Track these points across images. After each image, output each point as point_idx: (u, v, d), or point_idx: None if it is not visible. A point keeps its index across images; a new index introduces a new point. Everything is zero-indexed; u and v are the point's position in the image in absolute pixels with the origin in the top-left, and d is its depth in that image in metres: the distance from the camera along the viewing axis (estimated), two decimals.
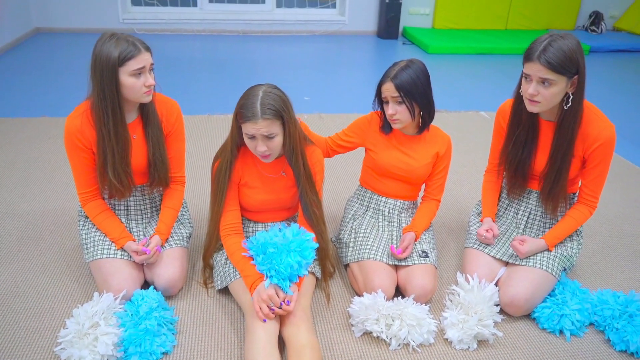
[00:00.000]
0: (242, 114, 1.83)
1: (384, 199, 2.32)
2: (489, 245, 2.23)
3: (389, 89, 2.08)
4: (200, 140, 3.71)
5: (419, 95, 2.08)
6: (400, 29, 7.29)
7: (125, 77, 1.87)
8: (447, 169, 2.32)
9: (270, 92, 1.85)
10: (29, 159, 3.37)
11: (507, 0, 7.31)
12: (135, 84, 1.88)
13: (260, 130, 1.82)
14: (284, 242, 1.89)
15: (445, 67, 5.92)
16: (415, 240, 2.21)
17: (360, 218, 2.35)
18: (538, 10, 7.41)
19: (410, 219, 2.33)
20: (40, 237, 2.55)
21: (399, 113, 2.10)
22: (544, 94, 1.90)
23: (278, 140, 1.88)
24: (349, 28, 7.22)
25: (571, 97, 1.93)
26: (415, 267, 2.13)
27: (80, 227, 2.19)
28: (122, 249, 2.08)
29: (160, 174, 2.14)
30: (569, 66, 1.85)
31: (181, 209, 2.35)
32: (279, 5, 7.20)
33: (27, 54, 5.78)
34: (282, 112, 1.84)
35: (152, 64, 1.93)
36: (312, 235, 1.95)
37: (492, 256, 2.20)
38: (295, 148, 1.94)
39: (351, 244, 2.25)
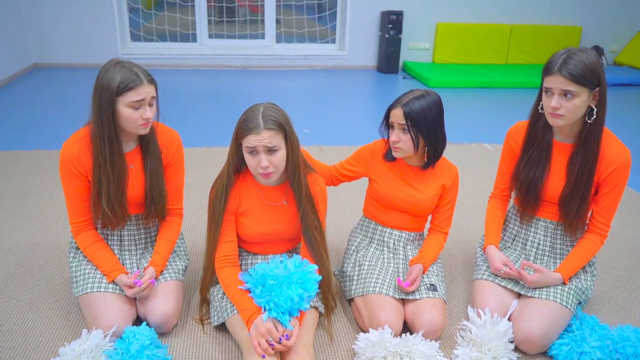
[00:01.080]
0: (244, 127, 1.78)
1: (388, 230, 2.22)
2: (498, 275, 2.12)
3: (397, 115, 2.01)
4: (197, 172, 3.64)
5: (426, 128, 2.00)
6: (401, 64, 7.32)
7: (123, 108, 1.80)
8: (454, 201, 2.22)
9: (271, 107, 1.83)
10: (20, 192, 3.28)
11: (507, 36, 7.37)
12: (131, 115, 1.82)
13: (263, 142, 1.76)
14: (285, 273, 1.80)
15: (446, 100, 5.79)
16: (423, 272, 2.10)
17: (364, 250, 2.24)
18: (538, 46, 7.47)
19: (417, 250, 2.23)
20: (27, 272, 2.43)
21: (402, 142, 2.02)
22: (567, 107, 1.85)
23: (281, 155, 1.81)
24: (349, 63, 7.25)
25: (595, 109, 1.87)
26: (424, 302, 2.01)
27: (71, 259, 2.08)
28: (113, 282, 1.97)
29: (157, 207, 2.05)
30: (590, 77, 1.81)
31: (178, 242, 2.25)
32: (278, 40, 7.24)
33: (23, 89, 5.77)
34: (285, 125, 1.80)
35: (153, 97, 1.86)
36: (315, 267, 1.85)
37: (503, 287, 2.09)
38: (298, 166, 1.88)
39: (355, 277, 2.14)
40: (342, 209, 3.19)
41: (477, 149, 4.41)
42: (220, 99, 5.64)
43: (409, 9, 6.97)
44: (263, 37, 7.21)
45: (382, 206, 2.21)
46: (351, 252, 2.27)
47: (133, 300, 2.01)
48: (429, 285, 2.07)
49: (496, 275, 2.12)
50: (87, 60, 6.68)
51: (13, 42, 6.14)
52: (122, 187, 1.93)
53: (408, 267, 2.15)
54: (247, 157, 1.82)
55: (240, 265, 2.09)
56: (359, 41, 7.21)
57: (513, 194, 2.25)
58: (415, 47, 7.30)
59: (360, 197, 3.11)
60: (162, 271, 2.07)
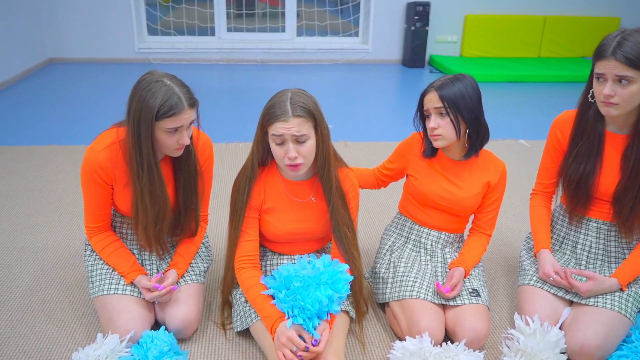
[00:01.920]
0: (270, 114, 1.64)
1: (426, 230, 2.05)
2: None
3: (432, 99, 1.84)
4: (217, 168, 3.48)
5: (466, 109, 1.83)
6: (427, 57, 7.10)
7: (158, 132, 1.66)
8: (500, 201, 2.04)
9: (300, 93, 1.69)
10: (33, 187, 3.18)
11: (540, 27, 7.09)
12: (166, 140, 1.68)
13: (291, 130, 1.62)
14: (312, 274, 1.64)
15: None
16: (465, 276, 1.93)
17: (399, 250, 2.07)
18: (573, 38, 7.17)
19: (456, 253, 2.05)
20: (40, 271, 2.31)
21: (441, 127, 1.85)
22: (622, 94, 1.67)
23: (310, 145, 1.67)
24: (373, 57, 7.06)
25: None
26: (466, 308, 1.84)
27: (86, 258, 1.95)
28: (132, 284, 1.84)
29: (188, 223, 1.93)
30: None
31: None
32: (299, 33, 7.09)
33: (38, 84, 5.70)
34: (314, 112, 1.66)
35: (192, 121, 1.71)
36: (347, 266, 1.69)
37: (554, 294, 1.90)
38: (328, 157, 1.74)
39: (390, 280, 1.97)
40: (371, 207, 3.02)
41: (512, 145, 4.20)
42: (239, 94, 5.50)
43: (436, 0, 6.75)
44: (283, 30, 7.05)
45: (420, 204, 2.04)
46: (384, 251, 2.10)
47: (151, 304, 1.87)
48: (471, 290, 1.90)
49: (545, 282, 1.94)
50: (103, 54, 6.60)
51: (29, 36, 6.07)
52: (161, 221, 1.80)
53: (447, 270, 1.98)
54: (273, 147, 1.68)
55: (265, 267, 1.94)
56: (383, 34, 7.01)
57: (559, 191, 2.07)
58: (443, 40, 7.08)
59: (390, 196, 2.97)
60: (183, 274, 1.93)
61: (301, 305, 1.60)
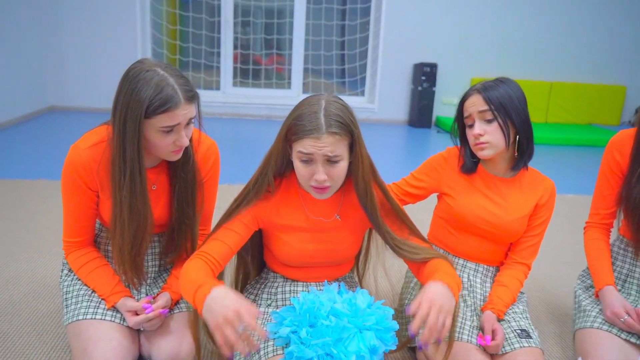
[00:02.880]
0: (299, 127, 1.33)
1: (461, 260, 1.74)
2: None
3: (475, 103, 1.60)
4: (219, 211, 3.21)
5: (515, 112, 1.59)
6: (433, 119, 7.00)
7: (151, 132, 1.37)
8: (546, 225, 1.74)
9: (335, 102, 1.38)
10: (16, 218, 2.88)
11: (546, 93, 7.04)
12: (161, 141, 1.38)
13: (324, 150, 1.32)
14: (351, 310, 1.30)
15: None
16: (500, 318, 1.61)
17: None
18: (579, 104, 7.12)
19: None
20: (9, 300, 1.98)
21: (488, 134, 1.59)
22: None
23: (342, 166, 1.37)
24: (379, 116, 6.95)
25: None
26: (517, 354, 1.51)
27: (62, 279, 1.62)
28: (114, 309, 1.50)
29: (183, 242, 1.60)
30: None
31: None
32: (305, 91, 7.01)
33: (36, 128, 5.52)
34: (352, 128, 1.36)
35: (192, 118, 1.41)
36: (392, 311, 1.36)
37: (625, 339, 1.58)
38: (370, 179, 1.44)
39: None
40: None
41: None
42: (243, 144, 5.32)
43: (443, 61, 6.73)
44: (289, 86, 6.98)
45: (456, 229, 1.74)
46: (413, 284, 1.79)
47: (136, 334, 1.52)
48: (519, 332, 1.57)
49: (612, 324, 1.62)
50: (106, 105, 6.44)
51: (32, 82, 5.97)
52: (139, 242, 1.47)
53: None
54: (298, 165, 1.38)
55: (275, 295, 1.60)
56: (390, 94, 6.93)
57: (616, 223, 1.80)
58: (449, 102, 7.00)
59: (420, 219, 2.64)
60: (178, 300, 1.60)
61: (333, 356, 1.23)
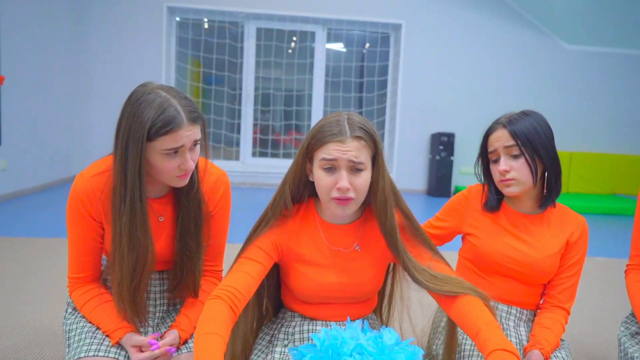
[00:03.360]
0: (322, 133, 1.31)
1: (492, 303, 1.62)
2: None
3: (501, 137, 1.54)
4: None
5: (542, 147, 1.52)
6: (452, 188, 6.94)
7: (154, 155, 1.32)
8: (581, 265, 1.63)
9: (358, 115, 1.37)
10: (29, 271, 2.83)
11: (566, 163, 6.98)
12: (164, 165, 1.33)
13: (348, 154, 1.28)
14: (377, 348, 1.19)
15: None
16: None
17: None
18: (601, 174, 7.01)
19: None
20: (12, 347, 1.88)
21: (514, 170, 1.52)
22: None
23: (365, 177, 1.32)
24: (397, 185, 6.71)
25: None
26: None
27: (66, 317, 1.53)
28: (118, 345, 1.40)
29: (187, 277, 1.50)
30: None
31: None
32: None
33: (58, 194, 5.58)
34: (375, 137, 1.34)
35: (196, 141, 1.37)
36: (422, 351, 1.24)
37: None
38: (389, 194, 1.37)
39: None
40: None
41: None
42: (261, 210, 5.28)
43: (461, 131, 6.77)
44: None
45: (482, 270, 1.64)
46: (441, 329, 1.66)
47: None
48: None
49: None
50: None
51: (58, 152, 6.10)
52: (138, 275, 1.38)
53: (523, 356, 1.51)
54: (320, 175, 1.33)
55: (293, 334, 1.49)
56: (408, 163, 6.95)
57: None
58: (468, 172, 6.96)
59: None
60: (187, 339, 1.49)
61: None
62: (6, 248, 3.27)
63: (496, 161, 1.57)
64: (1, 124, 4.83)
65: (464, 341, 1.55)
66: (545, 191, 1.60)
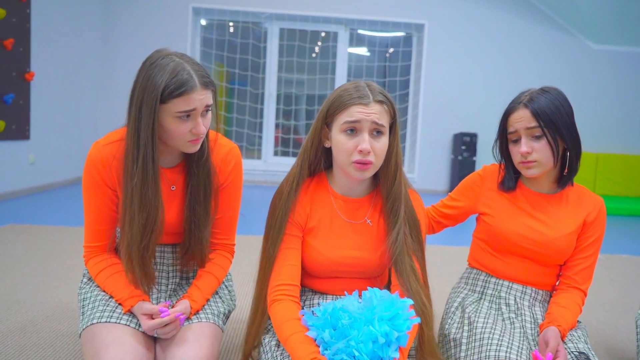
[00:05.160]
0: (345, 97, 1.34)
1: (506, 282, 1.60)
2: None
3: (522, 118, 1.50)
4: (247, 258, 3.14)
5: (564, 126, 1.49)
6: None
7: (167, 118, 1.35)
8: (598, 245, 1.59)
9: (375, 83, 1.39)
10: (50, 255, 2.89)
11: (593, 165, 6.83)
12: (177, 129, 1.35)
13: (372, 117, 1.31)
14: (366, 307, 1.22)
15: None
16: (562, 338, 1.43)
17: (473, 305, 1.60)
18: (628, 176, 6.83)
19: None
20: (30, 321, 1.93)
21: (536, 152, 1.49)
22: None
23: (384, 142, 1.35)
24: (419, 186, 6.86)
25: None
26: None
27: (81, 287, 1.56)
28: (130, 313, 1.42)
29: (196, 245, 1.52)
30: None
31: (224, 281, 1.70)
32: None
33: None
34: (393, 104, 1.38)
35: (208, 106, 1.40)
36: (410, 301, 1.26)
37: None
38: (400, 165, 1.41)
39: (465, 341, 1.49)
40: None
41: None
42: None
43: (484, 131, 6.69)
44: None
45: (497, 250, 1.61)
46: (454, 309, 1.64)
47: (152, 342, 1.43)
48: (577, 354, 1.40)
49: None
50: None
51: (84, 148, 6.17)
52: (148, 235, 1.40)
53: (539, 333, 1.49)
54: (341, 140, 1.34)
55: (304, 307, 1.50)
56: (430, 163, 6.89)
57: None
58: None
59: (455, 254, 2.51)
60: (198, 310, 1.51)
61: (354, 348, 1.16)
62: (33, 235, 3.35)
63: (516, 142, 1.54)
64: (30, 119, 4.96)
65: (476, 319, 1.53)
66: (566, 170, 1.57)
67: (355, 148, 1.32)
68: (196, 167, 1.48)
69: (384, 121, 1.33)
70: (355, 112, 1.31)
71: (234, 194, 1.60)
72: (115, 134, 1.47)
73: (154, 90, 1.30)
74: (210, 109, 1.41)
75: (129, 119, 1.37)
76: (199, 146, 1.43)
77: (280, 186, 1.48)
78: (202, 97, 1.35)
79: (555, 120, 1.48)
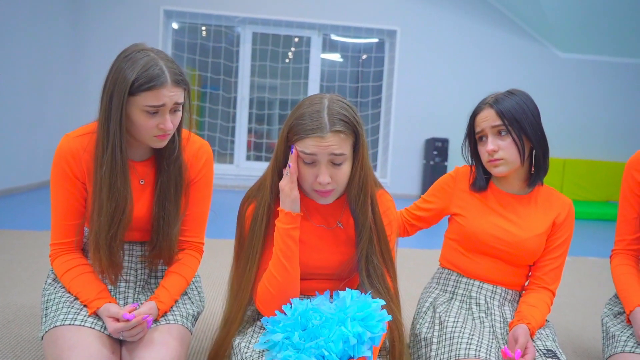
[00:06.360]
0: (301, 126, 1.28)
1: (477, 282, 1.61)
2: None
3: (487, 117, 1.54)
4: (214, 264, 3.10)
5: (529, 125, 1.53)
6: None
7: (135, 111, 1.35)
8: (567, 246, 1.62)
9: (339, 100, 1.33)
10: (12, 260, 2.81)
11: (560, 170, 6.97)
12: (144, 122, 1.35)
13: (329, 149, 1.26)
14: (338, 307, 1.22)
15: None
16: (531, 336, 1.45)
17: (444, 305, 1.61)
18: (595, 182, 6.99)
19: None
20: None
21: (502, 149, 1.52)
22: None
23: (346, 168, 1.31)
24: (391, 190, 6.90)
25: None
26: None
27: (45, 288, 1.51)
28: (95, 315, 1.38)
29: (163, 243, 1.50)
30: None
31: (192, 282, 1.66)
32: None
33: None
34: (357, 127, 1.31)
35: (178, 104, 1.38)
36: (382, 301, 1.26)
37: None
38: (366, 186, 1.36)
39: (435, 341, 1.49)
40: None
41: None
42: None
43: (455, 137, 6.77)
44: None
45: (468, 250, 1.63)
46: (425, 309, 1.64)
47: (118, 345, 1.39)
48: (545, 352, 1.42)
49: None
50: None
51: (50, 153, 6.04)
52: (116, 224, 1.39)
53: (509, 332, 1.50)
54: (301, 169, 1.32)
55: None
56: (402, 168, 6.95)
57: None
58: None
59: (425, 249, 2.51)
60: (166, 312, 1.48)
61: (325, 348, 1.15)
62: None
63: (483, 141, 1.57)
64: None
65: (447, 318, 1.53)
66: (533, 169, 1.60)
67: (314, 179, 1.30)
68: (167, 163, 1.47)
69: (344, 149, 1.28)
70: (310, 145, 1.26)
71: (205, 190, 1.59)
72: (86, 127, 1.46)
73: (124, 82, 1.31)
74: (180, 107, 1.40)
75: (100, 109, 1.37)
76: (165, 142, 1.42)
77: (252, 201, 1.44)
78: (172, 94, 1.34)
79: (520, 118, 1.51)
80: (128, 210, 1.41)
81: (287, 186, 1.31)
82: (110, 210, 1.38)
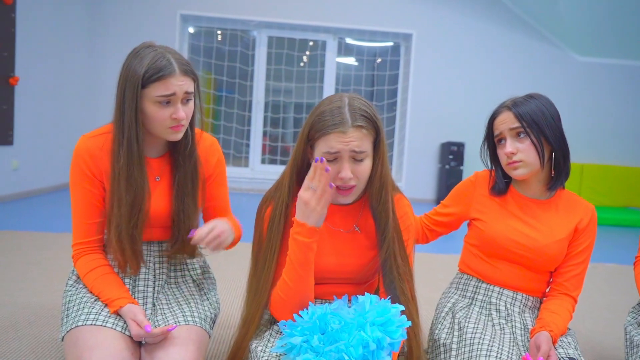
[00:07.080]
0: (323, 123, 1.28)
1: (497, 288, 1.59)
2: None
3: (506, 120, 1.53)
4: (229, 269, 3.11)
5: (548, 128, 1.51)
6: None
7: (147, 103, 1.40)
8: (589, 252, 1.60)
9: (359, 98, 1.34)
10: (30, 261, 2.84)
11: (578, 175, 6.89)
12: (157, 114, 1.40)
13: (350, 145, 1.26)
14: (357, 312, 1.22)
15: None
16: (553, 344, 1.43)
17: (464, 311, 1.59)
18: (613, 187, 6.89)
19: None
20: (12, 326, 1.88)
21: (520, 152, 1.51)
22: None
23: (367, 164, 1.31)
24: (406, 194, 6.84)
25: None
26: None
27: (67, 288, 1.53)
28: (116, 315, 1.39)
29: (184, 236, 1.52)
30: None
31: (209, 285, 1.67)
32: None
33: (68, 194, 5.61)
34: (377, 124, 1.31)
35: (188, 93, 1.43)
36: (401, 307, 1.25)
37: None
38: (386, 183, 1.35)
39: (454, 347, 1.48)
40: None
41: None
42: None
43: (471, 141, 6.73)
44: None
45: (488, 255, 1.61)
46: (444, 314, 1.63)
47: (137, 345, 1.40)
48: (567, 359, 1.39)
49: None
50: None
51: (68, 154, 6.09)
52: (136, 214, 1.43)
53: (529, 339, 1.48)
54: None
55: None
56: (417, 172, 6.91)
57: None
58: None
59: (444, 263, 2.49)
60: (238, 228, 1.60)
61: (344, 352, 1.14)
62: (14, 240, 3.30)
63: (502, 144, 1.55)
64: (14, 124, 4.89)
65: (466, 324, 1.52)
66: (553, 173, 1.58)
67: (336, 174, 1.29)
68: (182, 158, 1.51)
69: (365, 146, 1.28)
70: (333, 142, 1.26)
71: (223, 181, 1.67)
72: (102, 128, 1.50)
73: (135, 76, 1.36)
74: (191, 97, 1.45)
75: (115, 106, 1.42)
76: (180, 135, 1.46)
77: (270, 203, 1.44)
78: (181, 83, 1.39)
79: (538, 120, 1.50)
80: (146, 202, 1.44)
81: (312, 200, 1.27)
82: (129, 200, 1.42)
